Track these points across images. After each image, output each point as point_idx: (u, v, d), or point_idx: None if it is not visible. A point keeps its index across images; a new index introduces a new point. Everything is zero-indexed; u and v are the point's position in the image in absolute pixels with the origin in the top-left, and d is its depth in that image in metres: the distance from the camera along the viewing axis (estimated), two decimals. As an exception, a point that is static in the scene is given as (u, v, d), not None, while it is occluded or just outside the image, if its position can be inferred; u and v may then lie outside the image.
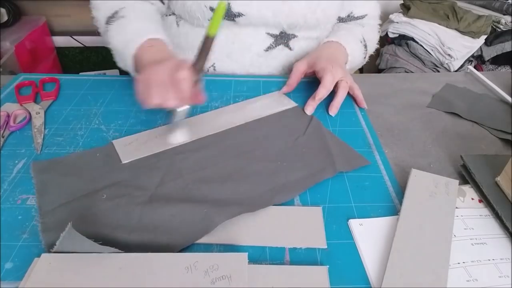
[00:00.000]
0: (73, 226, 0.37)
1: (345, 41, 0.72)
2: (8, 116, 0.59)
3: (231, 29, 0.73)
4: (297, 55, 0.77)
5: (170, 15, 0.77)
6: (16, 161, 0.51)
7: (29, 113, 0.60)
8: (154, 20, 0.68)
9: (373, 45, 0.83)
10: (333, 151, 0.53)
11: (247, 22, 0.71)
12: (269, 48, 0.75)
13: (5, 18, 1.64)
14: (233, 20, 0.70)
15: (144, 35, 0.60)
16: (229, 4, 0.68)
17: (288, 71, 0.77)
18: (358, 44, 0.76)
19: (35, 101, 0.63)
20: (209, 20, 0.70)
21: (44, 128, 0.58)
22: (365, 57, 0.80)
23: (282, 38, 0.74)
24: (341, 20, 0.81)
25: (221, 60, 0.76)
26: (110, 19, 0.66)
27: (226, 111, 0.63)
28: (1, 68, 1.45)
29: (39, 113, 0.60)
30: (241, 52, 0.74)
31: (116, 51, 0.64)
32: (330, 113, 0.63)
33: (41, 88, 0.67)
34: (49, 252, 0.38)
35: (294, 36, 0.75)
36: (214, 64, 0.76)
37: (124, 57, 0.62)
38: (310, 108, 0.62)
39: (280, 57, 0.77)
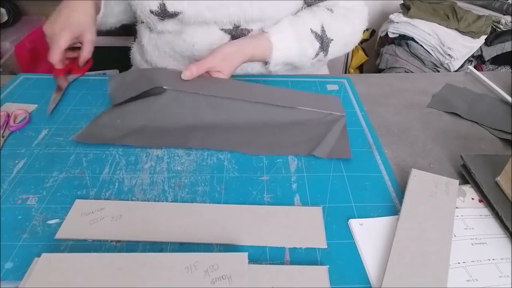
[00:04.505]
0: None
1: (277, 35, 0.66)
2: (8, 116, 0.59)
3: (186, 33, 0.71)
4: None
5: (142, 22, 0.76)
6: (16, 161, 0.51)
7: (29, 113, 0.60)
8: None
9: (343, 36, 0.71)
10: (328, 138, 0.56)
11: (188, 20, 0.68)
12: None
13: (5, 18, 1.64)
14: (175, 18, 0.68)
15: None
16: (164, 4, 0.66)
17: (265, 66, 0.72)
18: (301, 36, 0.67)
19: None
20: (156, 21, 0.69)
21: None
22: (323, 52, 0.70)
23: (238, 33, 0.70)
24: (309, 4, 0.73)
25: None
26: None
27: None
28: (1, 68, 1.45)
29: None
30: (206, 53, 0.68)
31: None
32: (182, 75, 0.61)
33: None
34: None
35: (248, 30, 0.70)
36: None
37: None
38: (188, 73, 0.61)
39: None
